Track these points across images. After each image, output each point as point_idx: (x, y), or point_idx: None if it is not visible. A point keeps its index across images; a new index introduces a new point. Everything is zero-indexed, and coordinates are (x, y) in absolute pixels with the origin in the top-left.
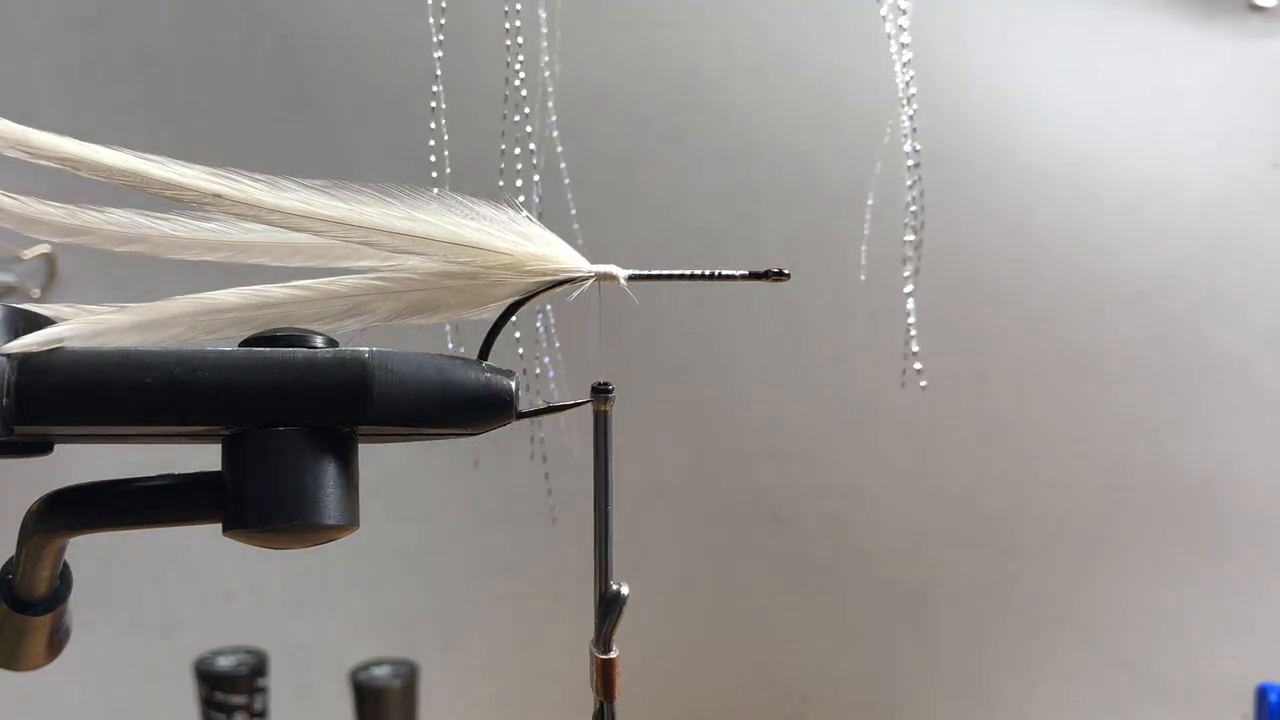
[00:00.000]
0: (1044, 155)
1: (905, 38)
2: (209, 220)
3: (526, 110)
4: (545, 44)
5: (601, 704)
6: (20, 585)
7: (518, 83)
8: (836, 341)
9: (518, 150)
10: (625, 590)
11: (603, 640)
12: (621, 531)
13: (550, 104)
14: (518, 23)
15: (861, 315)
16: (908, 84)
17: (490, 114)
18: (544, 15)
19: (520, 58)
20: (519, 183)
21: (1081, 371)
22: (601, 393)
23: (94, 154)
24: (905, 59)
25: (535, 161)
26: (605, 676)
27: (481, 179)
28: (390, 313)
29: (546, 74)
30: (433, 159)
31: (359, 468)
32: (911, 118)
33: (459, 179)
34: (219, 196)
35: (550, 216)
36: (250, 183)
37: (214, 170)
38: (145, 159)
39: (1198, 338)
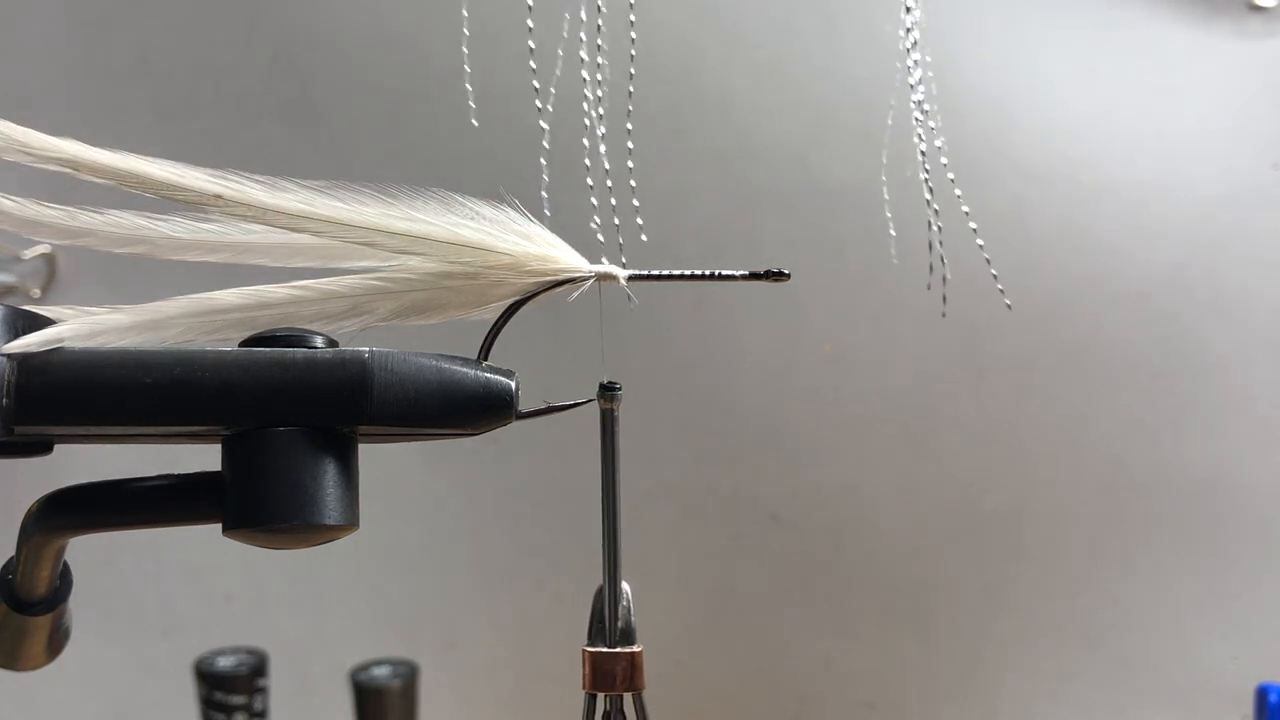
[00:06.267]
0: (1044, 155)
1: (911, 38)
2: (209, 221)
3: (537, 104)
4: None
5: (615, 699)
6: (20, 585)
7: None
8: (836, 341)
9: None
10: (625, 586)
11: (632, 633)
12: (621, 531)
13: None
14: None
15: (861, 315)
16: (916, 80)
17: (492, 114)
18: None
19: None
20: (523, 182)
21: (1081, 371)
22: (609, 391)
23: (94, 155)
24: (911, 53)
25: (590, 164)
26: (636, 668)
27: (482, 179)
28: (390, 313)
29: (585, 73)
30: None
31: (359, 468)
32: (924, 110)
33: (460, 179)
34: (219, 197)
35: (550, 217)
36: (250, 183)
37: (214, 171)
38: (145, 160)
39: (1198, 338)
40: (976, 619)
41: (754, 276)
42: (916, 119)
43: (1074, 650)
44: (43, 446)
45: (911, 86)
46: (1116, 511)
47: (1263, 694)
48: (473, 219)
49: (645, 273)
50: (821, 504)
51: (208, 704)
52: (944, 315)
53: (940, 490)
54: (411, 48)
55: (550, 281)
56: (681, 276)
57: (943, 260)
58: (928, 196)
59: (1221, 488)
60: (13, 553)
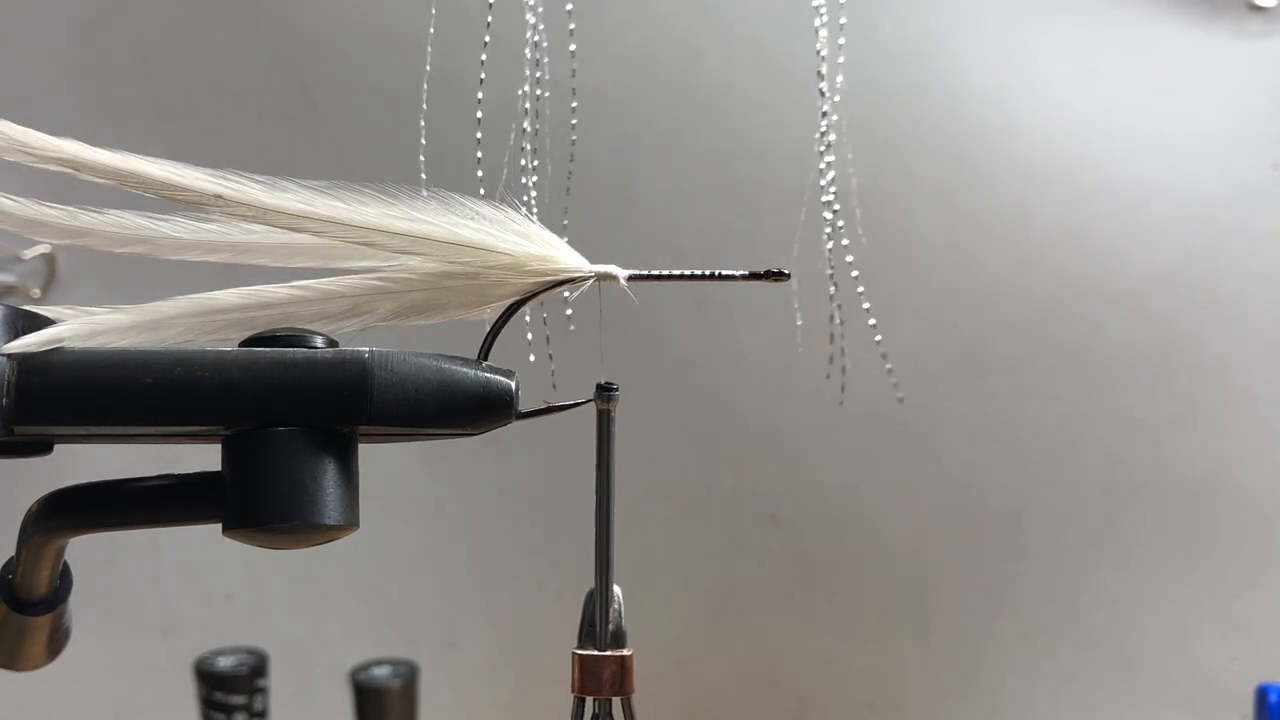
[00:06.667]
0: (1044, 155)
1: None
2: (209, 221)
3: (528, 107)
4: (539, 43)
5: (603, 702)
6: (20, 585)
7: (524, 88)
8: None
9: (528, 149)
10: (616, 589)
11: (623, 637)
12: (621, 531)
13: (544, 96)
14: (532, 23)
15: (861, 315)
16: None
17: (493, 114)
18: (533, 21)
19: (540, 59)
20: (526, 181)
21: (1081, 371)
22: (606, 392)
23: (94, 155)
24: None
25: (536, 163)
26: (626, 672)
27: (482, 179)
28: (390, 313)
29: (545, 75)
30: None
31: (359, 468)
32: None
33: (460, 179)
34: (219, 197)
35: (549, 216)
36: (250, 183)
37: (214, 171)
38: (145, 160)
39: (1198, 338)
40: (976, 619)
41: (754, 276)
42: (827, 216)
43: (1074, 650)
44: (43, 446)
45: (822, 172)
46: (1116, 511)
47: (1263, 694)
48: (473, 219)
49: (645, 273)
50: (821, 504)
51: (208, 704)
52: (841, 404)
53: (940, 490)
54: (411, 48)
55: (550, 281)
56: (681, 276)
57: (843, 352)
58: (832, 290)
59: (1221, 488)
60: (13, 553)
